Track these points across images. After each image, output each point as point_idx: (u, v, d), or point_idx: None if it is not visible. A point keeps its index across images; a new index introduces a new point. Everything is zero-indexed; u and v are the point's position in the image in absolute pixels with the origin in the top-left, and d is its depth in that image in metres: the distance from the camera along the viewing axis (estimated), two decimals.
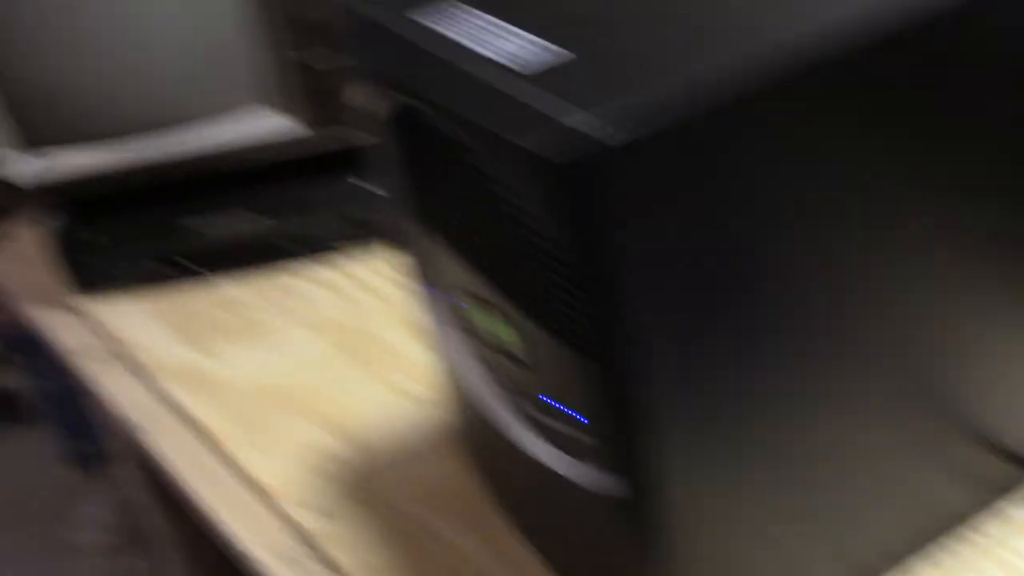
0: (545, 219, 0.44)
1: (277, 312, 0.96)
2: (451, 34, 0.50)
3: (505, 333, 0.58)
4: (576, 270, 0.44)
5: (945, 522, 0.63)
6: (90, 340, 1.00)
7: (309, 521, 0.76)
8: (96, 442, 2.32)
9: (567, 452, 0.57)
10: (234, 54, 0.92)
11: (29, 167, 0.96)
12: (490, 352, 0.62)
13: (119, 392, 0.93)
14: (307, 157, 0.97)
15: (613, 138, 0.40)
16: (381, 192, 0.98)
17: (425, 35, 0.51)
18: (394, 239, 1.02)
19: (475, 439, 0.73)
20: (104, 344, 0.99)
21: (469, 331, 0.64)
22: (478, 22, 0.51)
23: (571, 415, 0.55)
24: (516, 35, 0.49)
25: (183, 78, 0.92)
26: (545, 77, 0.45)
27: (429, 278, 0.67)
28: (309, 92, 0.92)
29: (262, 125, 0.95)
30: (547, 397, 0.57)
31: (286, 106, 0.94)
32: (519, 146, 0.42)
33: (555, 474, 0.58)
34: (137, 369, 0.94)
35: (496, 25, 0.50)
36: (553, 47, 0.47)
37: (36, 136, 0.95)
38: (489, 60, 0.47)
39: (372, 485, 0.78)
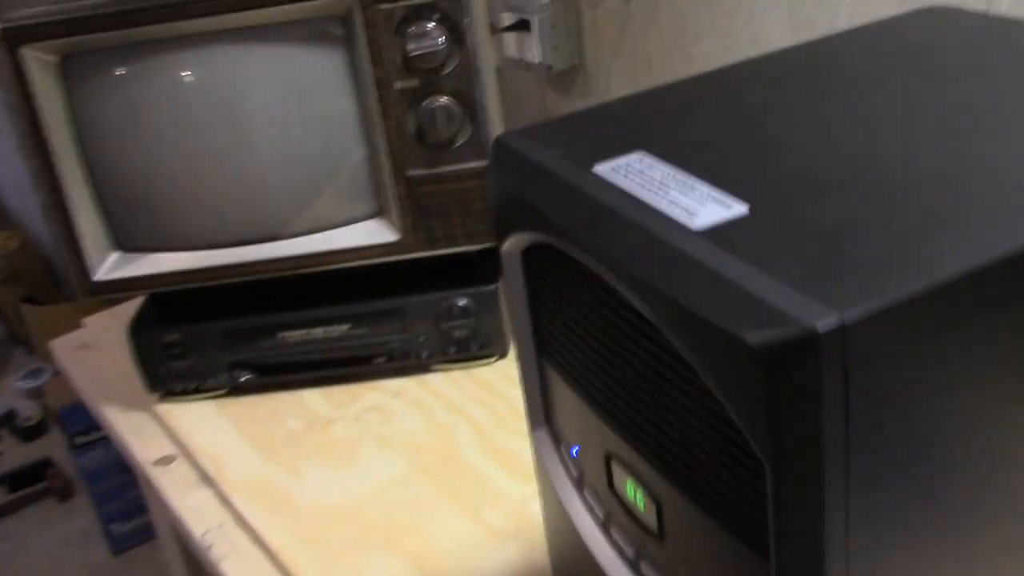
0: (731, 401, 0.39)
1: (362, 430, 0.92)
2: (633, 188, 0.46)
3: (633, 493, 0.53)
4: (759, 459, 0.39)
5: None
6: (161, 444, 0.96)
7: None
8: (134, 523, 2.27)
9: None
10: (340, 164, 0.89)
11: (116, 264, 0.93)
12: (608, 507, 0.56)
13: (187, 504, 0.88)
14: (404, 268, 0.93)
15: (822, 322, 0.36)
16: (484, 312, 0.95)
17: (600, 186, 0.47)
18: (488, 358, 0.97)
19: None
20: (176, 450, 0.94)
21: (585, 481, 0.59)
22: (666, 177, 0.47)
23: None
24: (711, 196, 0.45)
25: (287, 186, 0.89)
26: (736, 245, 0.40)
27: (544, 419, 0.63)
28: (413, 203, 0.89)
29: (360, 231, 0.92)
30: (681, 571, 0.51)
31: (387, 215, 0.91)
32: (709, 322, 0.38)
33: None
34: (208, 481, 0.90)
35: (685, 183, 0.46)
36: (743, 208, 0.43)
37: (129, 236, 0.92)
38: (678, 223, 0.43)
39: None
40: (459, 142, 0.87)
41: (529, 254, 0.56)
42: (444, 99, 0.86)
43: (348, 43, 0.85)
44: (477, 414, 0.92)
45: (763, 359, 0.37)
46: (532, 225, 0.51)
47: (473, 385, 0.96)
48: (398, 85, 0.85)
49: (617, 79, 1.33)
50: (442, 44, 0.84)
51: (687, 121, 0.53)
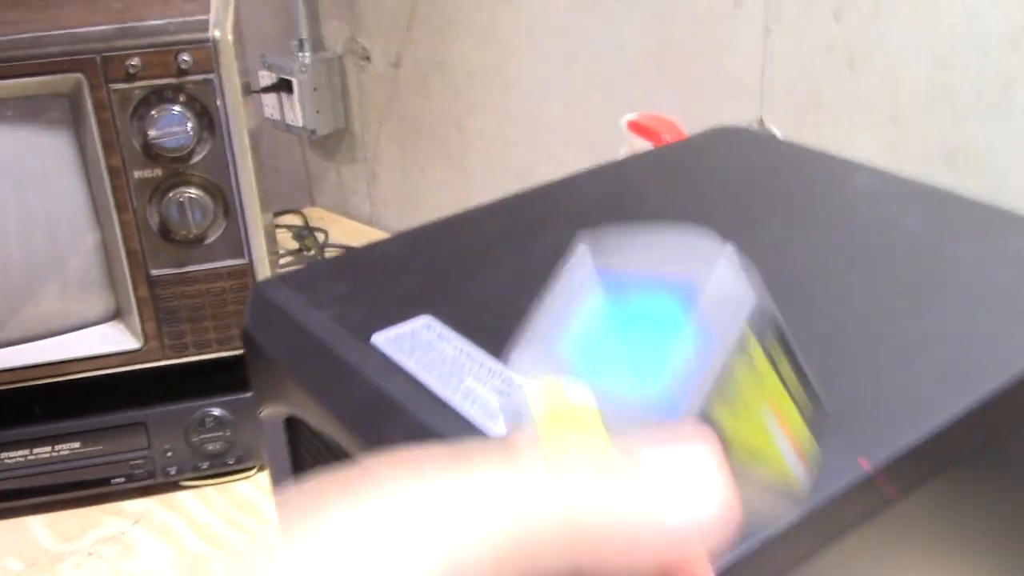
0: None
1: (95, 568, 0.79)
2: (420, 372, 0.39)
3: None
4: None
5: None
6: None
7: None
8: None
9: None
10: (66, 262, 0.77)
11: None
12: None
13: None
14: (147, 374, 0.82)
15: None
16: (240, 422, 0.84)
17: (381, 367, 0.39)
18: (247, 471, 0.87)
19: None
20: None
21: None
22: (459, 356, 0.39)
23: None
24: (501, 377, 0.38)
25: (7, 290, 0.76)
26: None
27: None
28: (157, 306, 0.78)
29: (93, 337, 0.79)
30: None
31: (126, 318, 0.79)
32: None
33: None
34: None
35: (482, 365, 0.39)
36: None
37: None
38: (476, 428, 0.36)
39: None
40: (211, 238, 0.77)
41: (294, 423, 0.47)
42: (193, 191, 0.75)
43: (76, 125, 0.73)
44: (235, 540, 0.81)
45: None
46: (295, 403, 0.42)
47: (229, 504, 0.85)
48: (137, 175, 0.74)
49: (385, 146, 1.26)
50: (189, 130, 0.73)
51: (480, 269, 0.46)
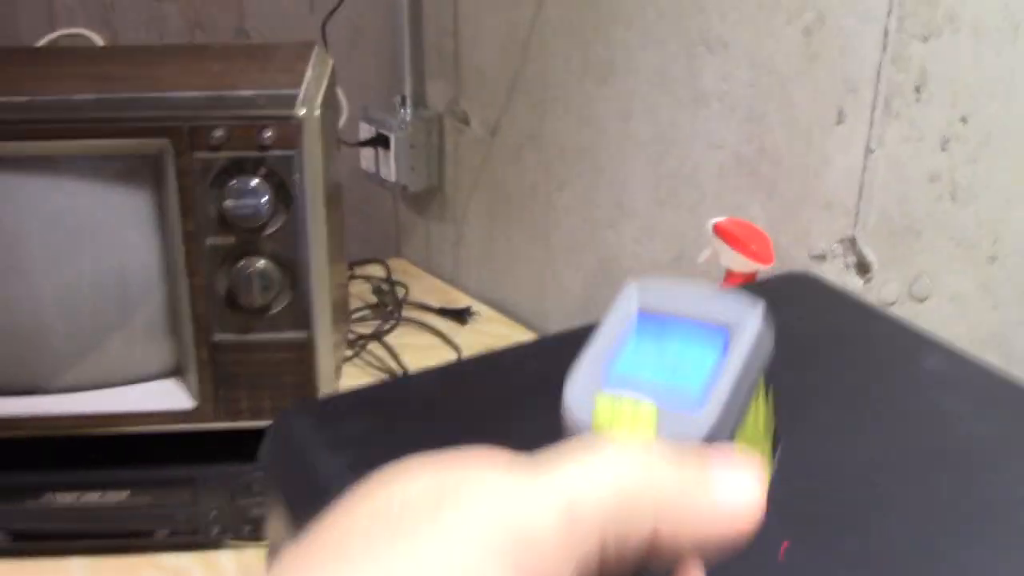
0: None
1: None
2: None
3: None
4: None
5: None
6: None
7: None
8: None
9: None
10: (133, 319, 0.78)
11: None
12: None
13: None
14: (197, 437, 0.82)
15: None
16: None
17: None
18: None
19: None
20: None
21: None
22: None
23: None
24: None
25: (66, 333, 0.77)
26: None
27: None
28: (216, 370, 0.78)
29: (151, 393, 0.80)
30: None
31: (185, 377, 0.80)
32: None
33: None
34: None
35: None
36: None
37: None
38: None
39: None
40: (276, 309, 0.77)
41: None
42: (263, 262, 0.75)
43: (157, 187, 0.74)
44: None
45: None
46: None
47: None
48: (210, 241, 0.75)
49: (474, 210, 1.25)
50: (265, 203, 0.74)
51: (508, 420, 0.44)
